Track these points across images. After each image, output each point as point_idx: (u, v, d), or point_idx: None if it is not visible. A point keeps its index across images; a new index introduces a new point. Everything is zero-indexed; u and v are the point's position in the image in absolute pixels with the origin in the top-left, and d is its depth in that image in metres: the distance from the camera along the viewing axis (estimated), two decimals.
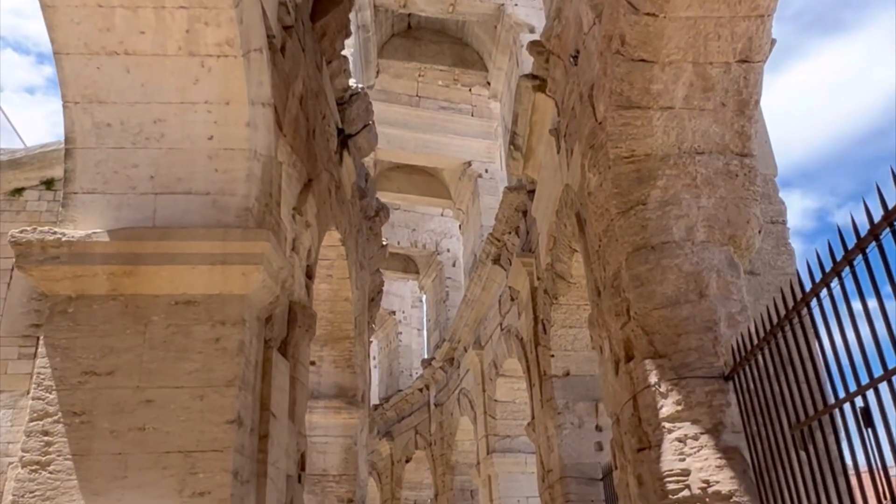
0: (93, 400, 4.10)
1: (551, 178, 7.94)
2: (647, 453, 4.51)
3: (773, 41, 4.93)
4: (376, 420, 19.02)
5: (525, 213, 10.12)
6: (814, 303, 3.17)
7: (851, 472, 3.01)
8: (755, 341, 3.84)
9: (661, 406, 4.39)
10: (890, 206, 2.48)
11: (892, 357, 2.50)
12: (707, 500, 4.06)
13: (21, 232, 4.32)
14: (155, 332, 4.29)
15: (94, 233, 4.35)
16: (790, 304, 3.38)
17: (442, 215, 19.31)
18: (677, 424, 4.30)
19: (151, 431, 4.08)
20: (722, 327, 4.48)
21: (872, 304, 2.64)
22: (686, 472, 4.17)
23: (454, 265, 18.53)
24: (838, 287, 2.92)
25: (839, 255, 2.84)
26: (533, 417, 9.44)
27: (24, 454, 3.98)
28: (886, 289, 2.56)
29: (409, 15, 14.00)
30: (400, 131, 15.19)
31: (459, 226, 17.15)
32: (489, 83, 13.86)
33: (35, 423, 4.03)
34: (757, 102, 4.99)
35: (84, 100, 4.54)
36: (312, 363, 8.87)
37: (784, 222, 5.65)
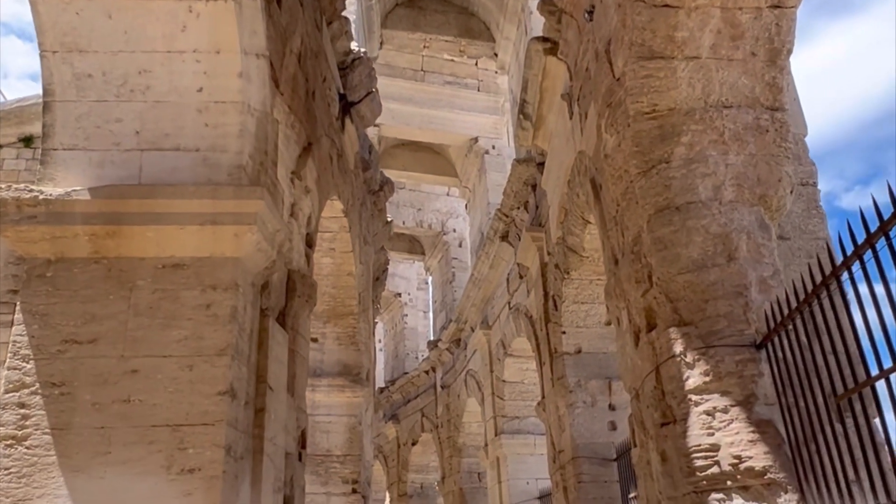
0: (73, 370, 3.79)
1: (563, 147, 7.58)
2: (671, 428, 4.19)
3: None
4: (382, 403, 18.80)
5: (534, 186, 9.76)
6: (856, 266, 2.88)
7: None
8: (793, 306, 3.50)
9: (687, 377, 4.06)
10: None
11: None
12: (738, 476, 3.74)
13: None
14: (140, 298, 3.97)
15: (74, 190, 4.02)
16: (837, 262, 3.06)
17: (448, 195, 18.93)
18: (705, 396, 3.97)
19: (137, 404, 3.76)
20: (753, 292, 4.14)
21: None
22: (715, 448, 3.84)
23: (460, 245, 18.19)
24: (886, 249, 2.67)
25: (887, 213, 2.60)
26: (543, 397, 9.12)
27: None
28: None
29: None
30: (404, 106, 14.76)
31: (466, 204, 16.77)
32: (496, 54, 13.42)
33: (11, 394, 3.72)
34: (790, 52, 4.62)
35: (63, 48, 4.20)
36: (315, 340, 8.56)
37: (815, 184, 5.28)
